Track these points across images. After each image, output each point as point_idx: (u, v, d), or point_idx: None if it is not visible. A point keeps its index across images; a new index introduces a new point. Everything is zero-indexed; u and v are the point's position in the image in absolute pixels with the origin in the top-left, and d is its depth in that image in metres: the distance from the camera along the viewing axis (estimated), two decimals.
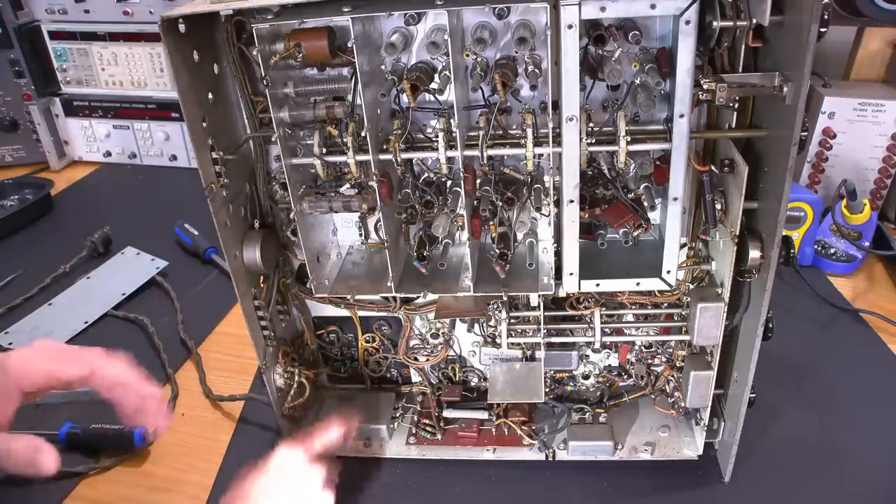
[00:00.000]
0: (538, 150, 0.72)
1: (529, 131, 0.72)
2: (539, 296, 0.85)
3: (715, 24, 0.65)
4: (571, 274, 0.77)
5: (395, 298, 0.91)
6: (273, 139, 0.77)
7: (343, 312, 0.95)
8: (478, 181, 0.78)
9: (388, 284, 0.81)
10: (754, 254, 0.71)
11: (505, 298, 0.85)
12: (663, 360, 0.93)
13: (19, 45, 1.66)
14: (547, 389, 0.93)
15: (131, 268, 1.34)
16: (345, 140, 0.75)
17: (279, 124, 0.74)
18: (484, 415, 0.95)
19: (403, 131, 0.75)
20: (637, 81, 0.72)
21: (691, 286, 0.84)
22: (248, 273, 0.83)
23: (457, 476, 0.90)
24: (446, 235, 0.82)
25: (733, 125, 0.73)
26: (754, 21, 0.64)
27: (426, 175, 0.81)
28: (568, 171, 0.71)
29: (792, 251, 0.71)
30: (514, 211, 0.80)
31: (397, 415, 0.97)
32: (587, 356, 0.94)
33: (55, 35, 1.69)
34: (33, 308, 1.24)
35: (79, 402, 0.98)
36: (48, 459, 0.60)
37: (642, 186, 0.77)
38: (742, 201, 0.69)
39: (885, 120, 1.25)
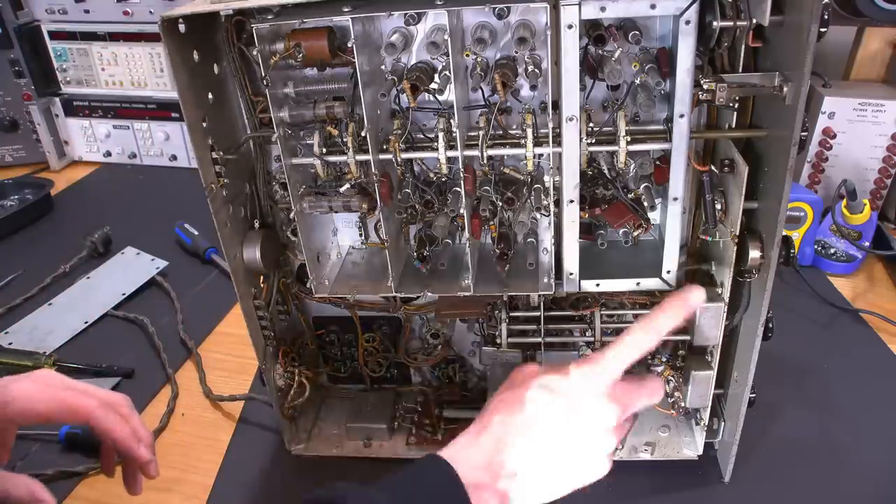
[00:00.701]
0: (538, 150, 0.72)
1: (529, 131, 0.72)
2: (539, 296, 0.85)
3: (715, 24, 0.65)
4: (571, 274, 0.77)
5: (395, 298, 0.91)
6: (273, 139, 0.77)
7: (343, 312, 0.95)
8: (478, 181, 0.78)
9: (388, 284, 0.81)
10: (754, 254, 0.71)
11: (505, 298, 0.85)
12: (663, 360, 0.93)
13: (19, 45, 1.66)
14: None
15: (131, 268, 1.34)
16: (345, 140, 0.75)
17: (279, 124, 0.74)
18: None
19: (403, 131, 0.75)
20: (637, 81, 0.72)
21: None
22: (248, 273, 0.83)
23: None
24: (446, 235, 0.82)
25: (733, 125, 0.73)
26: (754, 21, 0.64)
27: (426, 175, 0.81)
28: (568, 171, 0.71)
29: (792, 251, 0.71)
30: (514, 211, 0.80)
31: (397, 415, 0.97)
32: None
33: (55, 35, 1.69)
34: (33, 308, 1.24)
35: None
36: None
37: (642, 186, 0.77)
38: (742, 201, 0.69)
39: (885, 120, 1.25)
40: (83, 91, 1.74)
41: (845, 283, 1.21)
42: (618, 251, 0.80)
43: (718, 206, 0.73)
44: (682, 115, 0.66)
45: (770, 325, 0.74)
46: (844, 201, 1.19)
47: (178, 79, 0.69)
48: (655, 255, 0.76)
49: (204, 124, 0.74)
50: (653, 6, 0.63)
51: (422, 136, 0.77)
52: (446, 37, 0.68)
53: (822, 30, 0.57)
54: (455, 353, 0.96)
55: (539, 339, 0.86)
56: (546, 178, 0.77)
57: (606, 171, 0.77)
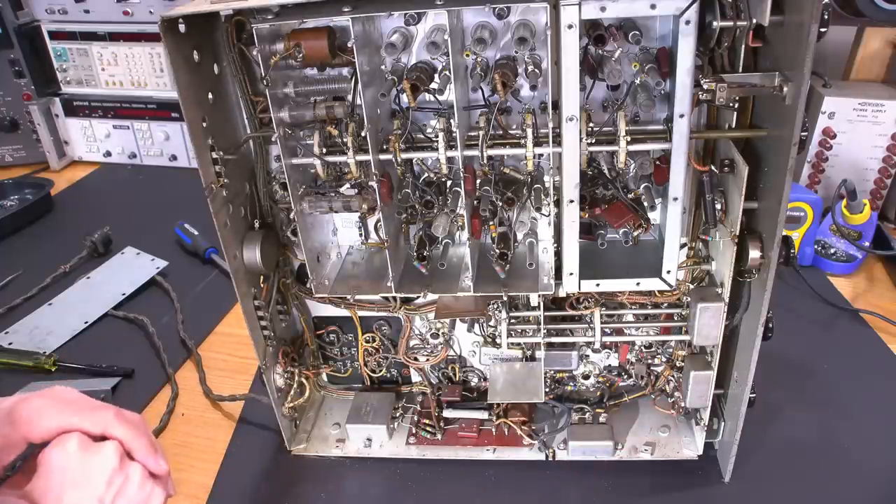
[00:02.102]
0: (538, 150, 0.72)
1: (529, 131, 0.72)
2: (539, 296, 0.85)
3: (715, 24, 0.65)
4: (571, 274, 0.77)
5: (395, 298, 0.91)
6: (273, 139, 0.77)
7: (343, 312, 0.95)
8: (478, 181, 0.78)
9: (388, 284, 0.81)
10: (754, 254, 0.71)
11: (505, 298, 0.85)
12: (663, 360, 0.93)
13: (19, 45, 1.66)
14: (547, 389, 0.93)
15: (131, 268, 1.34)
16: (345, 140, 0.75)
17: (279, 124, 0.74)
18: (484, 415, 0.95)
19: (403, 131, 0.75)
20: (637, 81, 0.72)
21: (691, 286, 0.84)
22: (248, 273, 0.83)
23: (457, 476, 0.90)
24: (446, 235, 0.82)
25: (733, 125, 0.73)
26: (754, 21, 0.64)
27: (426, 175, 0.81)
28: (568, 171, 0.71)
29: (792, 251, 0.71)
30: (514, 211, 0.80)
31: (397, 415, 0.97)
32: (587, 356, 0.94)
33: (55, 35, 1.69)
34: (33, 308, 1.24)
35: None
36: None
37: (642, 186, 0.77)
38: (742, 201, 0.69)
39: (885, 120, 1.25)
40: (83, 91, 1.74)
41: (845, 283, 1.21)
42: (618, 251, 0.80)
43: (718, 206, 0.73)
44: (682, 115, 0.66)
45: (770, 325, 0.73)
46: (844, 201, 1.19)
47: (178, 79, 0.69)
48: (655, 255, 0.76)
49: (204, 124, 0.74)
50: (653, 6, 0.63)
51: (422, 136, 0.77)
52: (446, 37, 0.68)
53: (822, 30, 0.57)
54: (455, 353, 0.96)
55: (539, 339, 0.86)
56: (546, 178, 0.77)
57: (606, 171, 0.77)
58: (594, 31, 0.69)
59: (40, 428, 0.59)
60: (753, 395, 0.79)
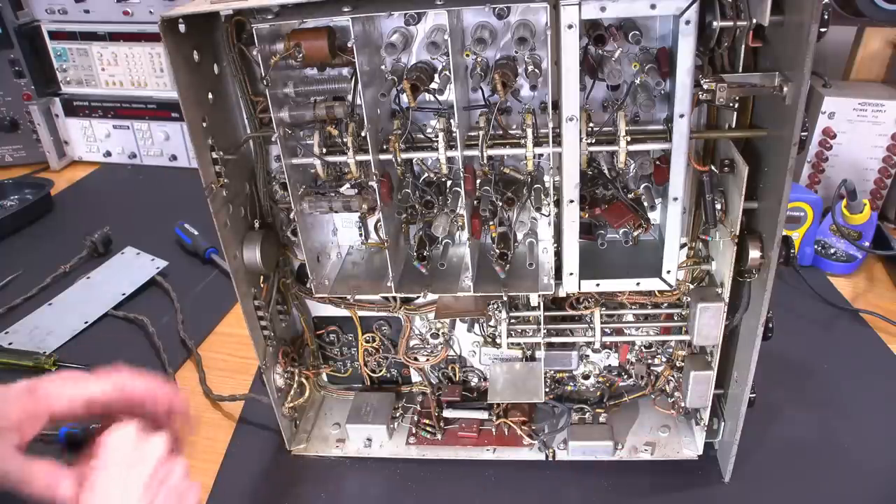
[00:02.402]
0: (538, 150, 0.72)
1: (529, 131, 0.72)
2: (539, 296, 0.85)
3: (715, 24, 0.65)
4: (571, 274, 0.77)
5: (395, 298, 0.91)
6: (273, 139, 0.77)
7: (343, 312, 0.95)
8: (478, 181, 0.78)
9: (388, 284, 0.81)
10: (754, 254, 0.71)
11: (505, 298, 0.85)
12: (663, 360, 0.93)
13: (19, 45, 1.66)
14: (547, 389, 0.93)
15: (131, 268, 1.34)
16: (345, 140, 0.75)
17: (279, 124, 0.74)
18: (484, 415, 0.95)
19: (403, 131, 0.75)
20: (637, 81, 0.72)
21: (691, 286, 0.84)
22: (248, 273, 0.83)
23: (457, 476, 0.90)
24: (446, 235, 0.82)
25: (733, 125, 0.73)
26: (754, 21, 0.64)
27: (426, 175, 0.81)
28: (568, 171, 0.71)
29: (792, 251, 0.71)
30: (514, 211, 0.80)
31: (397, 415, 0.97)
32: (587, 356, 0.94)
33: (55, 35, 1.69)
34: (33, 308, 1.24)
35: None
36: (65, 486, 0.60)
37: (642, 186, 0.77)
38: (742, 201, 0.69)
39: (885, 120, 1.25)
40: (83, 91, 1.74)
41: (845, 283, 1.21)
42: (618, 251, 0.80)
43: (718, 206, 0.73)
44: (682, 115, 0.66)
45: (770, 325, 0.74)
46: (844, 201, 1.19)
47: (178, 79, 0.69)
48: (655, 255, 0.76)
49: (204, 124, 0.74)
50: (653, 6, 0.63)
51: (422, 136, 0.77)
52: (446, 37, 0.68)
53: (822, 30, 0.57)
54: (455, 353, 0.96)
55: (539, 339, 0.86)
56: (546, 178, 0.77)
57: (606, 171, 0.77)
58: (594, 31, 0.69)
59: (63, 399, 0.63)
60: (753, 395, 0.79)
